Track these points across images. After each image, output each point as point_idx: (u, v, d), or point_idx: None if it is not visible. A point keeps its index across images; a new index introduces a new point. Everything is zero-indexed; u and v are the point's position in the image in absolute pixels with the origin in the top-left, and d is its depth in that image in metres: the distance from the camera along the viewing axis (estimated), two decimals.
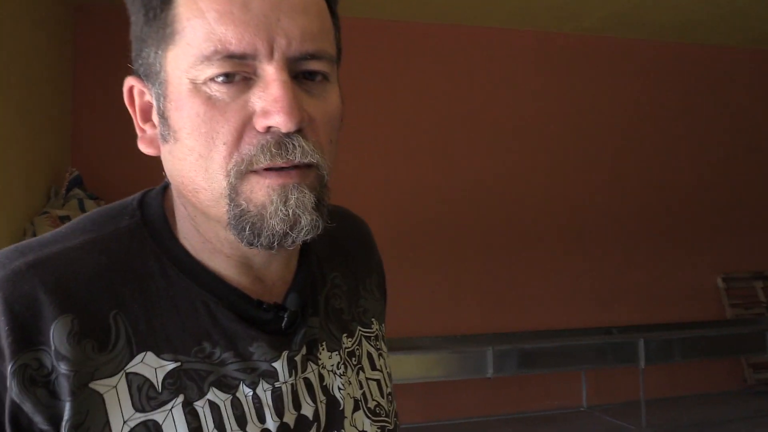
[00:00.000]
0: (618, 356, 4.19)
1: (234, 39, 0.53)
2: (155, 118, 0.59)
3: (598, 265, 5.04)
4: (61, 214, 3.62)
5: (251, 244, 0.57)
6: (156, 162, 0.63)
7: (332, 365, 0.67)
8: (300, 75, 0.57)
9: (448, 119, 4.84)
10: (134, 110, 0.61)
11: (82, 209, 3.81)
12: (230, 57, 0.54)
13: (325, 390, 0.65)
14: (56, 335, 0.53)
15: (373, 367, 0.76)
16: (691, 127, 5.41)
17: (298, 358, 0.63)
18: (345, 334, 0.73)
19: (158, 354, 0.56)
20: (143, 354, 0.55)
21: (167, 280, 0.59)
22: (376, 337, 0.80)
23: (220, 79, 0.54)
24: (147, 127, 0.61)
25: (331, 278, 0.75)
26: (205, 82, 0.54)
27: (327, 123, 0.58)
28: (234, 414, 0.57)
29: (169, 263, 0.60)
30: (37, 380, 0.52)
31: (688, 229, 5.34)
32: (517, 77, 4.99)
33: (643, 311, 5.05)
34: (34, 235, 3.42)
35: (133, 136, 0.63)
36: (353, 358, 0.72)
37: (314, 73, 0.58)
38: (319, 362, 0.66)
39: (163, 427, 0.54)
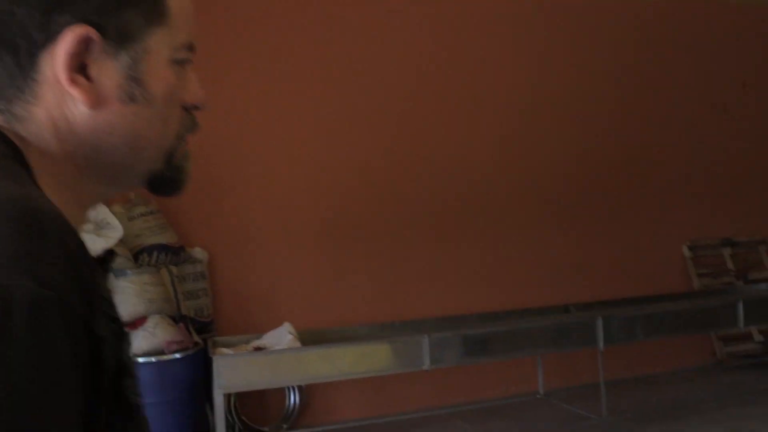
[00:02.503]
0: (576, 338, 3.81)
1: (196, 38, 0.74)
2: (110, 75, 0.66)
3: (553, 238, 4.65)
4: None
5: (166, 192, 0.76)
6: None
7: None
8: None
9: (395, 81, 4.37)
10: (71, 56, 0.63)
11: None
12: (193, 50, 0.73)
13: None
14: (101, 284, 0.60)
15: None
16: (652, 91, 5.01)
17: None
18: None
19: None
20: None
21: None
22: None
23: (183, 63, 0.72)
24: (79, 78, 0.64)
25: None
26: (177, 62, 0.70)
27: None
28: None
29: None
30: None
31: (650, 196, 4.96)
32: (476, 37, 4.53)
33: (604, 286, 4.67)
34: None
35: None
36: None
37: None
38: None
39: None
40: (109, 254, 0.76)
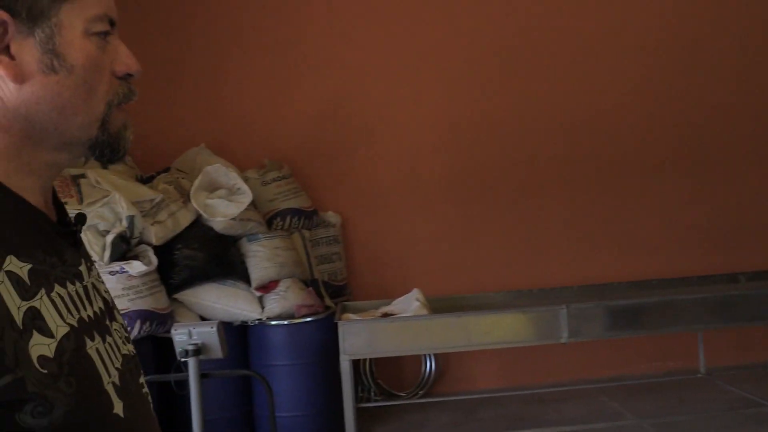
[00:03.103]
0: (745, 312, 3.32)
1: (112, 8, 0.80)
2: (29, 51, 0.74)
3: (720, 194, 4.09)
4: None
5: (109, 159, 0.82)
6: None
7: (96, 275, 0.86)
8: None
9: (523, 30, 4.04)
10: None
11: None
12: (111, 20, 0.79)
13: (99, 291, 0.84)
14: None
15: None
16: None
17: (87, 265, 0.84)
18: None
19: (18, 257, 0.69)
20: (9, 257, 0.68)
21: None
22: None
23: (104, 35, 0.78)
24: (2, 58, 0.73)
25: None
26: (94, 33, 0.77)
27: None
28: (72, 303, 0.74)
29: None
30: None
31: None
32: None
33: None
34: None
35: None
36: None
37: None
38: (91, 271, 0.85)
39: (41, 311, 0.68)
40: (80, 218, 0.85)
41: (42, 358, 0.66)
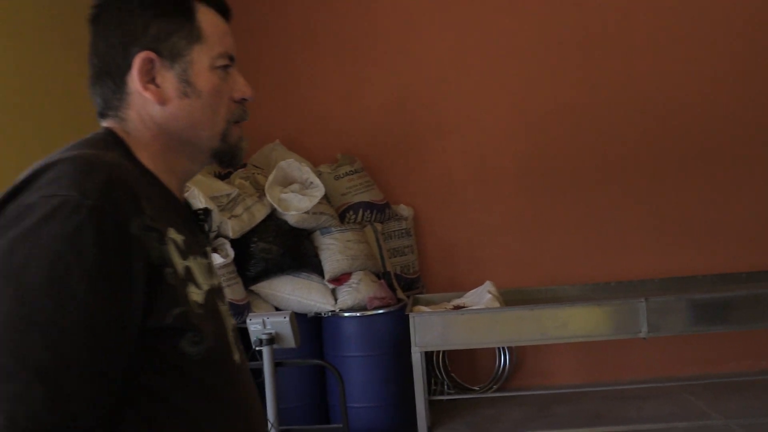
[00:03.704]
0: None
1: (232, 47, 1.06)
2: (169, 81, 1.01)
3: None
4: None
5: (228, 165, 1.11)
6: None
7: (213, 260, 1.12)
8: None
9: (597, 13, 3.92)
10: (142, 73, 1.00)
11: None
12: (230, 57, 1.05)
13: (216, 272, 1.07)
14: (145, 206, 0.88)
15: None
16: None
17: (210, 250, 1.10)
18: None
19: (176, 229, 0.93)
20: (170, 228, 0.92)
21: (156, 188, 1.00)
22: None
23: (225, 67, 1.05)
24: (150, 86, 1.01)
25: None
26: (217, 67, 1.03)
27: None
28: (206, 271, 0.99)
29: (153, 178, 1.01)
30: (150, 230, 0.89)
31: None
32: None
33: None
34: None
35: None
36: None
37: None
38: (212, 255, 1.11)
39: (193, 270, 0.94)
40: (207, 211, 1.11)
41: (195, 303, 0.91)
